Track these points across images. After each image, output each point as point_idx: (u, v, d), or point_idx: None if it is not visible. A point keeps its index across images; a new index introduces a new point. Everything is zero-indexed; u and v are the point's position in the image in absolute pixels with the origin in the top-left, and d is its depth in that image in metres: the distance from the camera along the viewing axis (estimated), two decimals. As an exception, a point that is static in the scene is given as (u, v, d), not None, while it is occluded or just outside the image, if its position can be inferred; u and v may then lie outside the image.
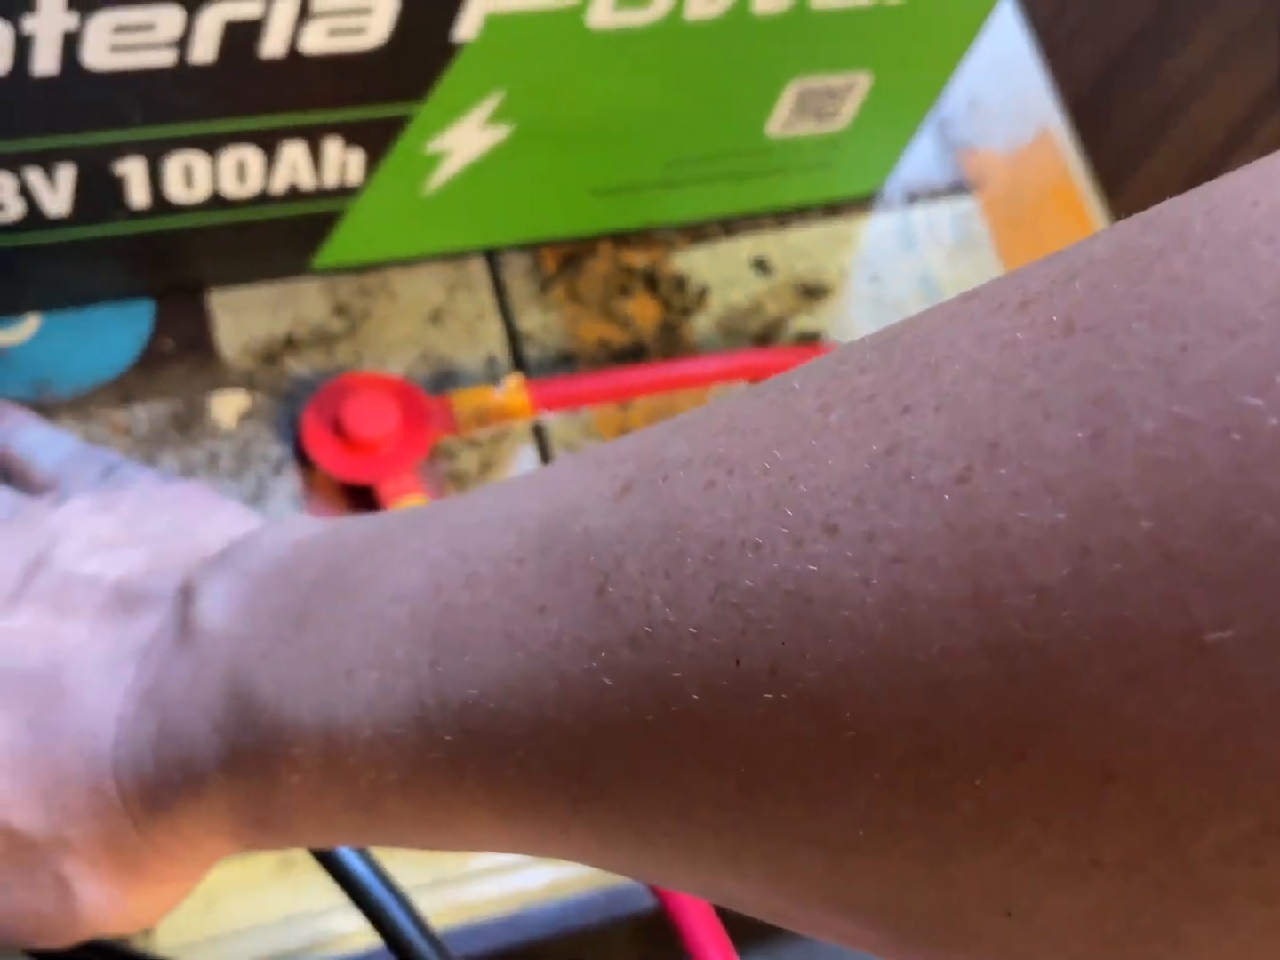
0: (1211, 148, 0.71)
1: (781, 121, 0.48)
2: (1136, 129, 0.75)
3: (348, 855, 0.36)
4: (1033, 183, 0.57)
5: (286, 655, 0.24)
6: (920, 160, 0.56)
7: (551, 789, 0.20)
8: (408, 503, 0.44)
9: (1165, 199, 0.18)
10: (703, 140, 0.47)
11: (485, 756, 0.21)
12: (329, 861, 0.36)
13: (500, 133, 0.43)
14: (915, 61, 0.47)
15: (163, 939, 0.66)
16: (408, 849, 0.24)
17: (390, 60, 0.39)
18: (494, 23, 0.39)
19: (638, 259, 0.52)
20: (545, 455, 0.48)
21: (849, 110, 0.48)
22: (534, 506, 0.21)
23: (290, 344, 0.47)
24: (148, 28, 0.35)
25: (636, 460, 0.20)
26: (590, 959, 0.79)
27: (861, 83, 0.47)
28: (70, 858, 0.27)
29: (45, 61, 0.35)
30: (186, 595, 0.27)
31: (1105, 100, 0.77)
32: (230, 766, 0.24)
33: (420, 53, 0.39)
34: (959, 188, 0.56)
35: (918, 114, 0.50)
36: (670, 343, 0.51)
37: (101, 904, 0.27)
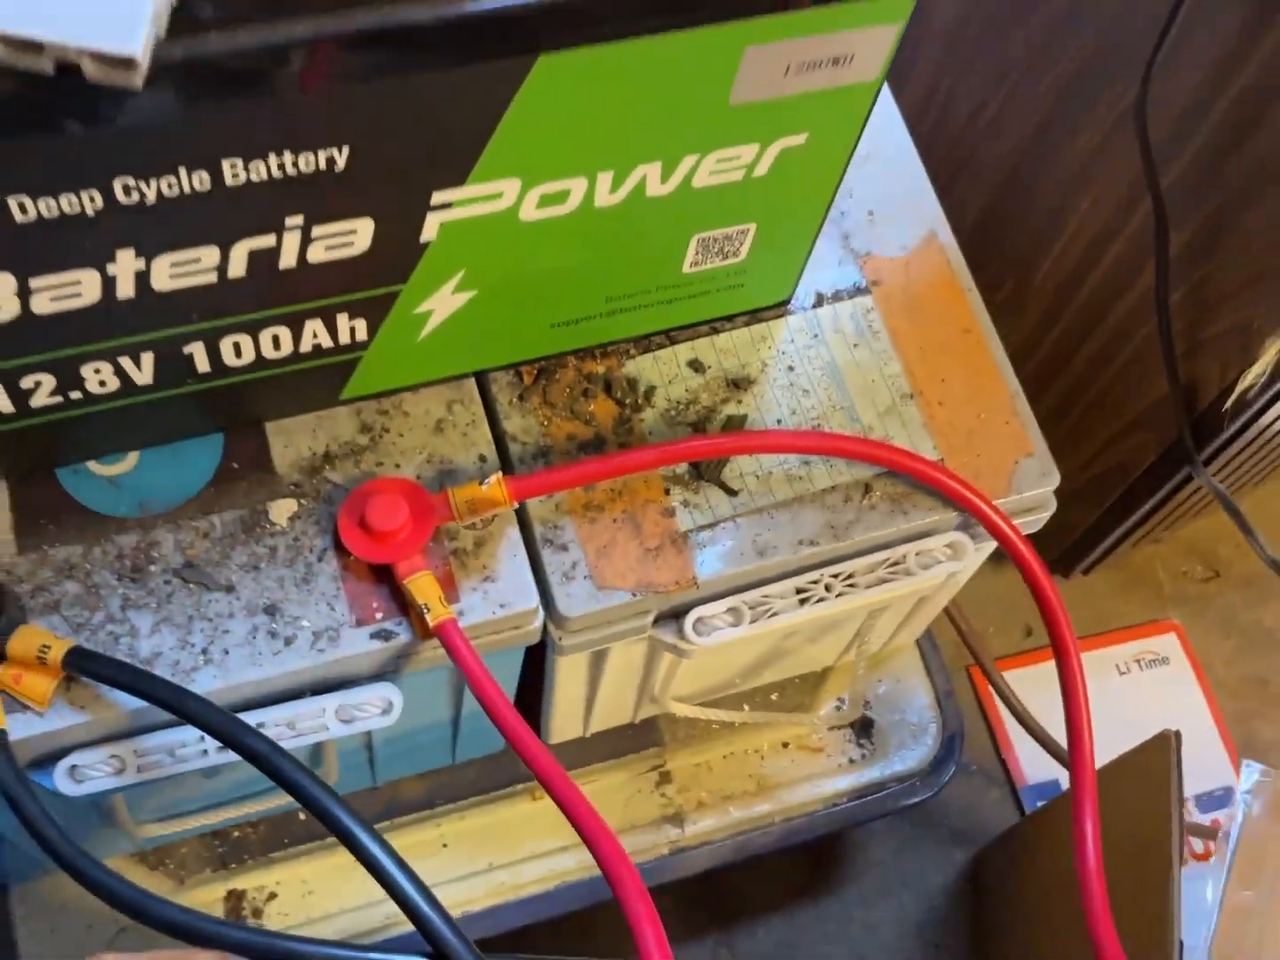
0: (1089, 241, 0.81)
1: (692, 262, 0.59)
2: (1028, 232, 0.85)
3: (387, 862, 0.48)
4: (921, 279, 0.67)
5: None
6: (826, 267, 0.66)
7: None
8: (417, 579, 0.56)
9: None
10: (631, 283, 0.59)
11: None
12: (375, 869, 0.48)
13: (468, 295, 0.55)
14: (787, 212, 0.57)
15: (272, 922, 0.79)
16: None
17: (375, 261, 0.50)
18: (448, 228, 0.50)
19: (597, 367, 0.63)
20: (527, 531, 0.60)
21: (746, 247, 0.59)
22: None
23: (328, 458, 0.59)
24: (195, 261, 0.47)
25: None
26: (616, 924, 0.90)
27: (750, 229, 0.58)
28: None
29: (125, 290, 0.47)
30: None
31: (1002, 210, 0.87)
32: None
33: (396, 254, 0.51)
34: (859, 289, 0.66)
35: (803, 244, 0.61)
36: (625, 434, 0.62)
37: None
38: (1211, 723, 1.06)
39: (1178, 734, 0.71)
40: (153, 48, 0.35)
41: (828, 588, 0.63)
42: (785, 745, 0.85)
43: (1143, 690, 1.07)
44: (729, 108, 0.49)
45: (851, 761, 0.85)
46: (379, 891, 0.75)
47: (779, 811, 0.83)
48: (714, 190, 0.54)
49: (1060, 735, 0.95)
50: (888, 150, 0.70)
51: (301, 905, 0.78)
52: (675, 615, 0.62)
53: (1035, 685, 1.05)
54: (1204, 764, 1.04)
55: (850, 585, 0.63)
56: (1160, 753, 0.71)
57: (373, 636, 0.56)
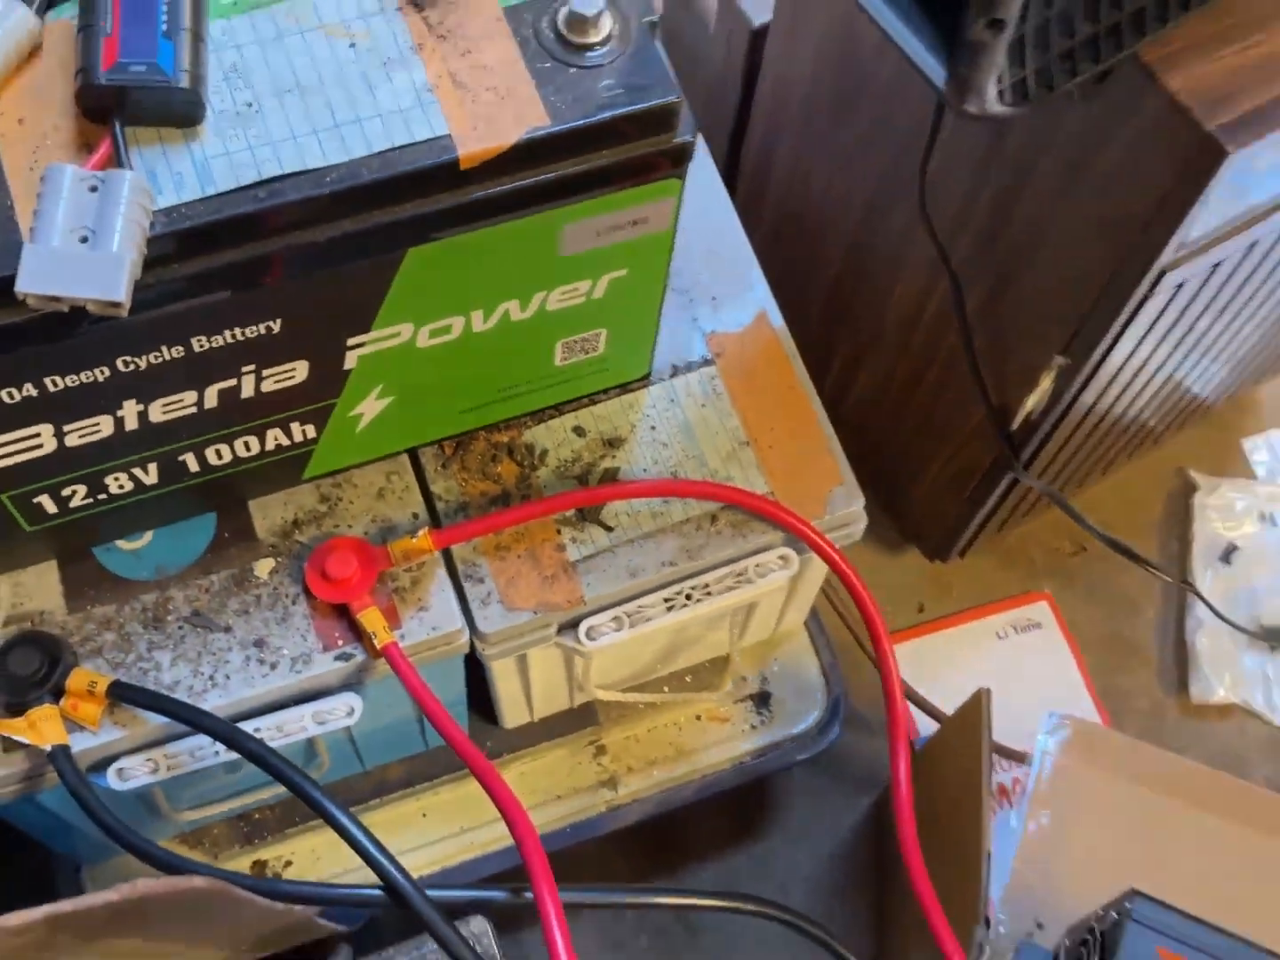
0: (914, 296, 0.97)
1: (561, 358, 0.75)
2: (874, 287, 1.01)
3: (353, 828, 0.64)
4: (754, 350, 0.83)
5: None
6: (679, 344, 0.82)
7: None
8: (367, 613, 0.72)
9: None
10: (516, 378, 0.75)
11: None
12: (336, 826, 0.64)
13: (389, 399, 0.71)
14: (627, 318, 0.73)
15: (290, 883, 0.95)
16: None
17: (313, 386, 0.67)
18: (364, 358, 0.66)
19: (502, 438, 0.79)
20: (451, 569, 0.76)
21: (602, 344, 0.75)
22: None
23: (296, 523, 0.76)
24: (180, 400, 0.64)
25: None
26: (562, 869, 1.06)
27: (602, 332, 0.74)
28: None
29: (131, 424, 0.64)
30: None
31: (855, 267, 1.02)
32: None
33: (327, 380, 0.67)
34: (706, 360, 0.82)
35: (648, 337, 0.77)
36: (525, 489, 0.78)
37: None
38: (1079, 676, 1.22)
39: (988, 691, 0.87)
40: (132, 288, 0.52)
41: (688, 597, 0.79)
42: (698, 718, 1.01)
43: (1019, 652, 1.22)
44: (560, 259, 0.65)
45: (753, 727, 1.01)
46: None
47: (695, 771, 0.99)
48: (565, 310, 0.70)
49: (934, 696, 1.11)
50: (727, 249, 0.85)
51: (312, 869, 0.95)
52: (572, 625, 0.78)
53: (926, 654, 1.21)
54: (1072, 712, 1.19)
55: (706, 593, 0.79)
56: (976, 707, 0.87)
57: (336, 658, 0.73)
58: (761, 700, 1.02)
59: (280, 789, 0.85)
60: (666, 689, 1.00)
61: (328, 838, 0.96)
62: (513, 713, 0.95)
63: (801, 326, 1.08)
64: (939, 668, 1.21)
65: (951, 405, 1.00)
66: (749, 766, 1.00)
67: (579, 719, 1.00)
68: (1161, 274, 0.75)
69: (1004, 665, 1.21)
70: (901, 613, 1.24)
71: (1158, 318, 0.82)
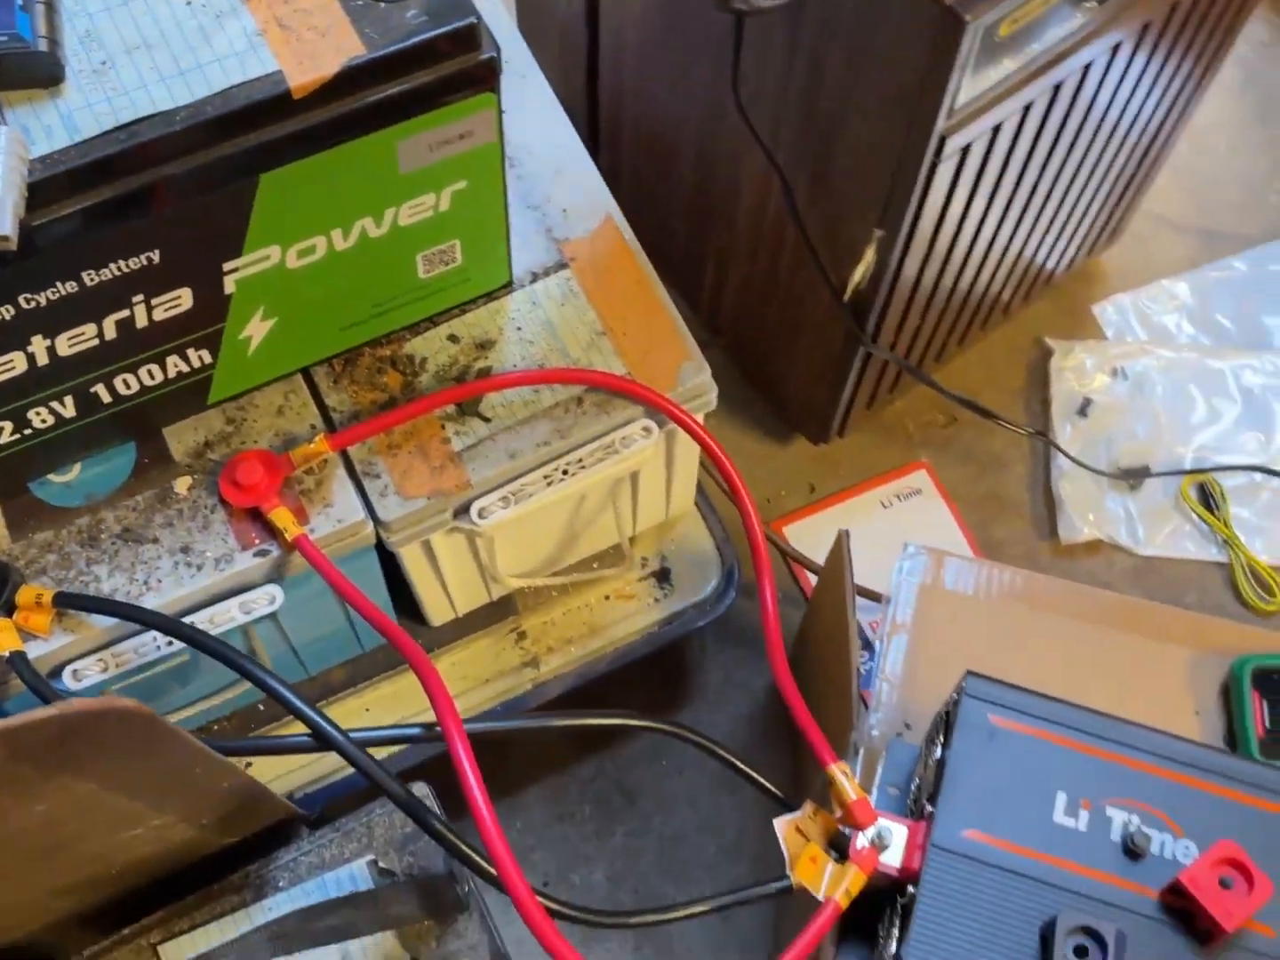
0: (756, 198, 1.05)
1: (424, 271, 0.83)
2: (725, 192, 1.09)
3: (272, 682, 0.73)
4: (603, 250, 0.91)
5: None
6: (536, 253, 0.90)
7: None
8: (276, 512, 0.80)
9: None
10: (385, 292, 0.83)
11: None
12: (260, 684, 0.73)
13: (273, 320, 0.79)
14: (476, 228, 0.81)
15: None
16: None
17: (200, 312, 0.75)
18: (241, 282, 0.74)
19: (385, 351, 0.88)
20: (351, 469, 0.84)
21: (459, 255, 0.83)
22: None
23: (207, 444, 0.84)
24: (82, 334, 0.71)
25: None
26: (497, 746, 1.14)
27: (456, 243, 0.82)
28: None
29: (42, 360, 0.71)
30: None
31: (707, 174, 1.10)
32: None
33: (212, 305, 0.75)
34: (561, 265, 0.90)
35: (500, 245, 0.85)
36: (410, 393, 0.86)
37: None
38: (959, 532, 1.31)
39: (846, 532, 0.96)
40: (17, 225, 0.59)
41: (564, 472, 0.87)
42: (607, 597, 1.09)
43: (904, 517, 1.31)
44: (402, 175, 0.73)
45: (656, 600, 1.09)
46: (324, 751, 0.99)
47: (609, 645, 1.08)
48: (417, 224, 0.78)
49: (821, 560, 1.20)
50: (573, 167, 0.94)
51: (270, 769, 1.03)
52: (465, 509, 0.87)
53: (820, 528, 1.30)
54: (955, 564, 1.28)
55: (581, 467, 0.88)
56: (839, 548, 0.96)
57: (255, 555, 0.81)
58: (662, 576, 1.10)
59: (230, 694, 0.94)
60: (576, 575, 1.09)
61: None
62: (436, 609, 1.04)
63: (671, 238, 1.17)
64: (824, 540, 1.30)
65: (804, 292, 1.09)
66: (656, 635, 1.08)
67: (500, 610, 1.08)
68: (942, 140, 0.84)
69: (891, 531, 1.31)
70: (795, 495, 1.33)
71: (954, 183, 0.91)
